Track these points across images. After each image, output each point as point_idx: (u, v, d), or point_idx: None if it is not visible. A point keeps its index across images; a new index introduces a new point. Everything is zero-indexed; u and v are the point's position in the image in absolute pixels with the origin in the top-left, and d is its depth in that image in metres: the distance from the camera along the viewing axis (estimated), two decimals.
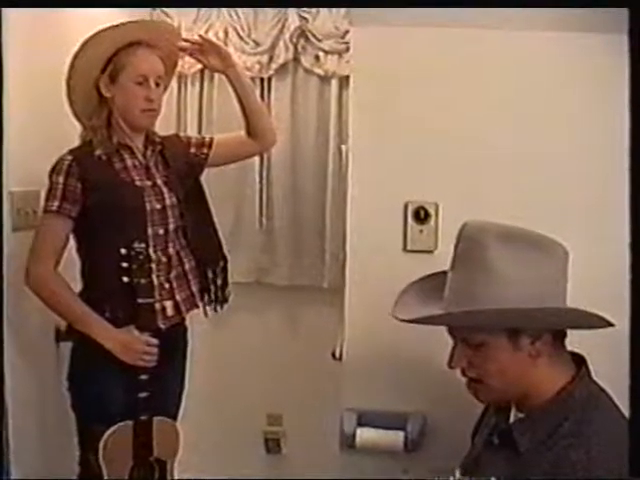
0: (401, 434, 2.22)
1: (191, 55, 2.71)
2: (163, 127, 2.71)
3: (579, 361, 1.74)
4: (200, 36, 2.74)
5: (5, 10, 2.00)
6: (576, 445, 1.56)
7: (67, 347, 2.63)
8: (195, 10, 3.45)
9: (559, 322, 1.70)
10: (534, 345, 1.68)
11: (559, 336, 1.71)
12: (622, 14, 1.51)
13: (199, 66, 3.39)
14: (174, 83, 3.03)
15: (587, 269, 2.12)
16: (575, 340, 1.75)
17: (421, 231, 2.23)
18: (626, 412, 1.58)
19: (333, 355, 2.46)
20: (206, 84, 3.56)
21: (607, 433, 1.58)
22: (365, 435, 2.25)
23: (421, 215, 2.23)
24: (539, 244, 1.68)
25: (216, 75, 3.45)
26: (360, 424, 2.27)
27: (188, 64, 3.33)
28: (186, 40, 2.67)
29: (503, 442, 1.75)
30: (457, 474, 1.85)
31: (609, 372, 1.69)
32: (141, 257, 2.35)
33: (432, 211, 2.23)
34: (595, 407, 1.64)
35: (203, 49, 2.67)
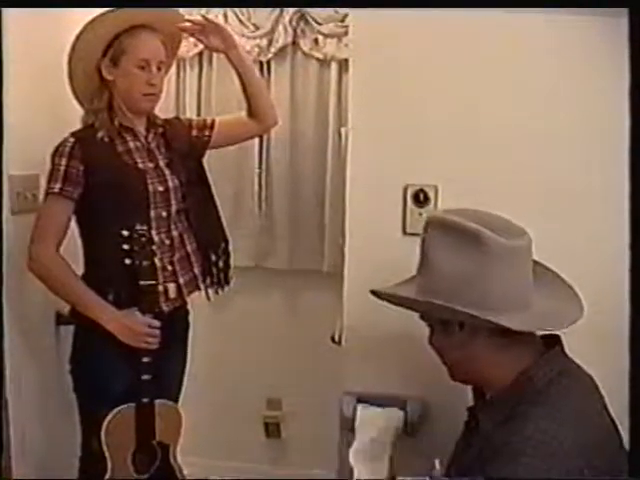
0: (401, 413, 2.22)
1: (192, 35, 2.71)
2: (162, 110, 2.71)
3: (553, 342, 1.76)
4: (202, 16, 2.73)
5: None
6: (525, 425, 1.57)
7: (68, 330, 2.64)
8: None
9: (459, 317, 1.71)
10: (463, 331, 1.72)
11: None
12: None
13: (198, 49, 3.39)
14: (173, 66, 3.01)
15: (587, 254, 2.14)
16: (574, 339, 1.76)
17: (420, 214, 2.22)
18: (626, 413, 1.58)
19: (332, 339, 2.47)
20: (205, 67, 3.54)
21: (563, 414, 1.59)
22: (364, 415, 2.26)
23: (420, 198, 2.23)
24: (471, 236, 1.68)
25: (215, 58, 3.45)
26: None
27: (187, 47, 3.31)
28: (188, 20, 2.66)
29: (473, 423, 1.79)
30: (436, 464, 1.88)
31: (609, 373, 1.70)
32: (143, 239, 2.35)
33: (432, 194, 2.23)
34: (556, 390, 1.65)
35: (205, 29, 2.65)
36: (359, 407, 2.24)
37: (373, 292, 1.91)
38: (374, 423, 2.20)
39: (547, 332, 1.77)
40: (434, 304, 1.71)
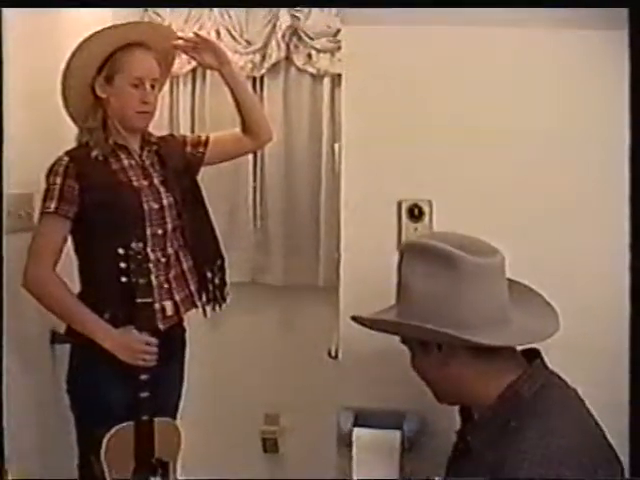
0: (398, 433, 2.22)
1: (185, 53, 2.72)
2: (156, 127, 2.71)
3: (533, 356, 1.76)
4: (195, 33, 2.75)
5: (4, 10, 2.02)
6: (520, 439, 1.57)
7: (62, 349, 2.64)
8: (186, 10, 3.45)
9: (436, 338, 1.72)
10: (442, 351, 1.73)
11: None
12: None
13: (191, 66, 3.41)
14: (166, 83, 3.02)
15: (589, 260, 2.15)
16: (571, 343, 1.76)
17: (415, 229, 2.23)
18: (625, 415, 1.59)
19: (329, 354, 2.46)
20: (198, 84, 3.56)
21: (553, 425, 1.59)
22: (362, 435, 2.25)
23: (415, 213, 2.23)
24: (443, 257, 1.69)
25: (208, 75, 3.47)
26: (357, 423, 2.27)
27: (180, 64, 3.32)
28: (181, 38, 2.67)
29: (462, 446, 1.78)
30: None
31: (609, 375, 1.70)
32: (139, 257, 2.35)
33: (426, 209, 2.23)
34: (545, 399, 1.66)
35: (198, 46, 2.67)
36: (355, 430, 2.24)
37: (354, 318, 1.93)
38: (372, 445, 2.21)
39: (526, 347, 1.77)
40: (409, 325, 1.73)
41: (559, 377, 1.75)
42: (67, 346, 2.57)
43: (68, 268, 2.49)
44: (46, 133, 2.69)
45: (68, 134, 2.54)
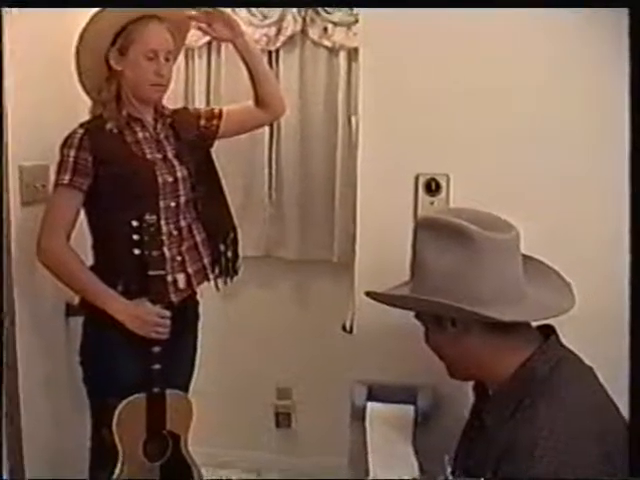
0: (412, 408, 2.22)
1: (199, 28, 2.70)
2: (171, 100, 2.70)
3: (548, 332, 1.75)
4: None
5: None
6: (535, 416, 1.56)
7: (77, 322, 2.65)
8: None
9: (451, 313, 1.72)
10: (456, 327, 1.72)
11: None
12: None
13: (206, 38, 3.38)
14: (181, 56, 3.00)
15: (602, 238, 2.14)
16: (572, 334, 1.75)
17: (432, 203, 2.21)
18: (625, 412, 1.57)
19: (344, 328, 2.46)
20: (213, 56, 3.53)
21: (569, 401, 1.59)
22: (375, 409, 2.25)
23: (432, 187, 2.22)
24: (458, 232, 1.69)
25: (223, 48, 3.44)
26: (371, 397, 2.27)
27: (196, 36, 3.30)
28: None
29: (477, 423, 1.79)
30: (446, 459, 1.88)
31: (609, 371, 1.69)
32: (152, 229, 2.35)
33: (443, 183, 2.21)
34: (560, 376, 1.65)
35: (212, 18, 2.65)
36: (369, 405, 2.24)
37: (368, 294, 1.93)
38: (386, 420, 2.20)
39: (541, 323, 1.77)
40: (424, 300, 1.72)
41: (574, 354, 1.73)
42: (82, 318, 2.57)
43: (81, 242, 2.49)
44: (62, 105, 2.69)
45: (84, 106, 2.54)
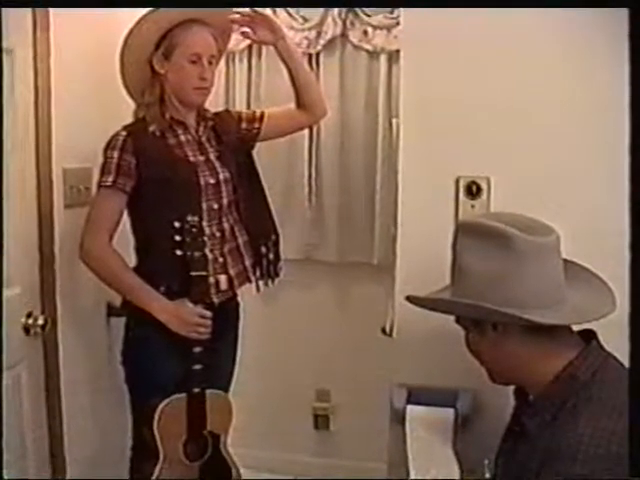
0: (451, 411, 2.22)
1: (242, 32, 2.72)
2: (212, 103, 2.71)
3: (589, 337, 1.74)
4: (251, 9, 2.74)
5: None
6: (577, 423, 1.55)
7: (118, 322, 2.67)
8: None
9: (492, 317, 1.71)
10: (497, 331, 1.72)
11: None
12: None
13: (247, 42, 3.39)
14: (222, 59, 3.02)
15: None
16: None
17: (473, 206, 2.21)
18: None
19: (384, 331, 2.46)
20: (254, 60, 3.55)
21: (610, 406, 1.57)
22: (415, 412, 2.25)
23: (473, 190, 2.21)
24: (498, 236, 1.69)
25: (264, 51, 3.45)
26: (410, 400, 2.27)
27: (236, 40, 3.31)
28: (237, 13, 2.67)
29: (517, 428, 1.77)
30: (486, 463, 1.88)
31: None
32: (194, 230, 2.37)
33: (484, 186, 2.21)
34: (602, 382, 1.63)
35: (254, 22, 2.67)
36: (408, 408, 2.24)
37: (408, 298, 1.93)
38: (425, 423, 2.20)
39: (582, 327, 1.76)
40: (465, 304, 1.72)
41: (615, 358, 1.72)
42: (123, 319, 2.60)
43: (124, 243, 2.52)
44: (105, 108, 2.72)
45: (127, 109, 2.56)
